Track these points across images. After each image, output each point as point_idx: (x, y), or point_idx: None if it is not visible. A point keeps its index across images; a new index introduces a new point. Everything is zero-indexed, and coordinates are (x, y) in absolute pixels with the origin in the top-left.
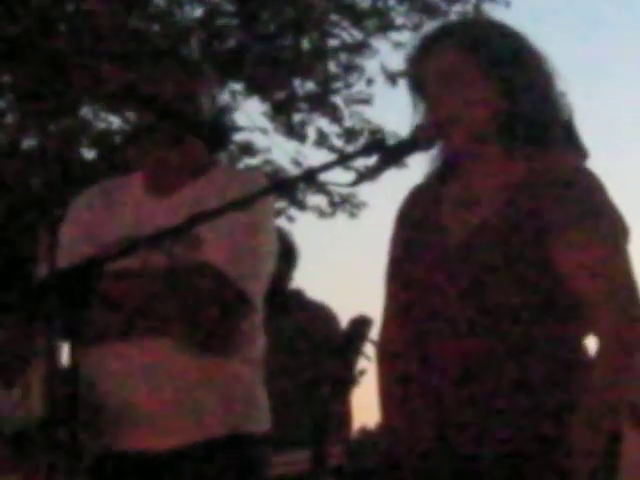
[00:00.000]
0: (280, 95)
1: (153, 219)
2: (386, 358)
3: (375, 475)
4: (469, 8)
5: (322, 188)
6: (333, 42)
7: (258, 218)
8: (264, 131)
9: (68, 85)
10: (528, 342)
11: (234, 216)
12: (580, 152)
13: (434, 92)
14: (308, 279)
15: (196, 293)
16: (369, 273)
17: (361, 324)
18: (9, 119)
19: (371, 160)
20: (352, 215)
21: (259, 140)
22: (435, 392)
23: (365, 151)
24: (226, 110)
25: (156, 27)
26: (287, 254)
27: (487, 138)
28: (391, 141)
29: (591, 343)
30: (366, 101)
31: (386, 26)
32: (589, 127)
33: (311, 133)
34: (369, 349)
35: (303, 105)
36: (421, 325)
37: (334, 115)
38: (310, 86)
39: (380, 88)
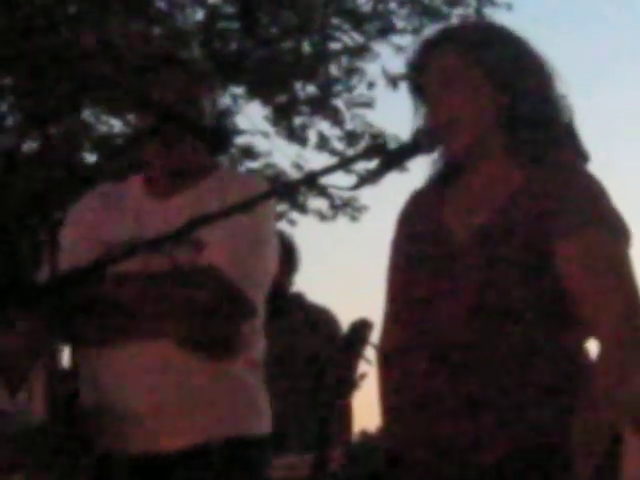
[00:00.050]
0: (281, 98)
1: (154, 222)
2: (386, 362)
3: None
4: (470, 11)
5: (323, 191)
6: (334, 45)
7: (259, 221)
8: (265, 134)
9: (69, 86)
10: (529, 345)
11: (235, 219)
12: (581, 154)
13: (435, 96)
14: (309, 282)
15: (197, 296)
16: (370, 276)
17: (362, 327)
18: (10, 122)
19: (372, 164)
20: (353, 219)
21: (260, 143)
22: (435, 394)
23: (366, 155)
24: (227, 113)
25: (157, 30)
26: (288, 257)
27: (488, 141)
28: (392, 145)
29: (592, 346)
30: (367, 104)
31: (387, 29)
32: (589, 129)
33: (312, 136)
34: (370, 353)
35: (304, 108)
36: (423, 328)
37: (335, 118)
38: (311, 89)
39: (381, 91)
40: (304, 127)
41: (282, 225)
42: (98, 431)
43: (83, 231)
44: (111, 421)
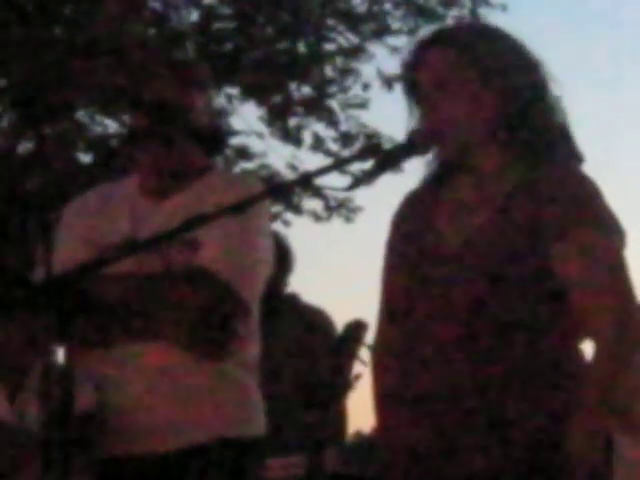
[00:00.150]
0: (276, 99)
1: (149, 223)
2: (381, 363)
3: None
4: (465, 12)
5: (318, 192)
6: (329, 46)
7: (254, 222)
8: (260, 135)
9: (66, 86)
10: (526, 345)
11: (230, 220)
12: (575, 155)
13: (430, 97)
14: (304, 283)
15: (192, 297)
16: (365, 277)
17: (357, 328)
18: (4, 123)
19: (367, 164)
20: (348, 219)
21: (255, 144)
22: (434, 397)
23: (361, 155)
24: (222, 114)
25: (152, 31)
26: (283, 258)
27: (482, 143)
28: (387, 146)
29: (587, 348)
30: (362, 105)
31: (382, 30)
32: (587, 130)
33: (307, 137)
34: (364, 353)
35: (299, 109)
36: (416, 330)
37: (330, 119)
38: (306, 90)
39: (376, 92)
40: (299, 128)
41: (277, 226)
42: (95, 432)
43: (78, 232)
44: (107, 422)
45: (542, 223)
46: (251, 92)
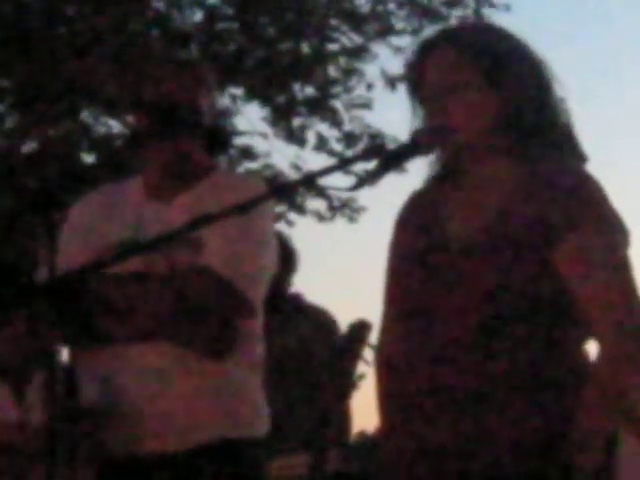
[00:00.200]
0: (280, 99)
1: (153, 223)
2: (384, 364)
3: None
4: (469, 12)
5: (322, 192)
6: (333, 46)
7: (258, 222)
8: (264, 135)
9: (68, 88)
10: (530, 345)
11: (234, 220)
12: (579, 156)
13: (433, 97)
14: (307, 283)
15: (196, 297)
16: (368, 278)
17: (360, 328)
18: (9, 123)
19: (371, 165)
20: (351, 220)
21: (259, 144)
22: (435, 398)
23: (365, 156)
24: (226, 114)
25: (156, 31)
26: (286, 258)
27: (486, 143)
28: (391, 146)
29: (591, 347)
30: (366, 105)
31: (386, 30)
32: (589, 130)
33: (311, 137)
34: (368, 353)
35: (303, 109)
36: (421, 329)
37: (334, 119)
38: (310, 90)
39: (380, 92)
40: (303, 128)
41: (280, 226)
42: (99, 431)
43: (82, 232)
44: (110, 421)
45: (545, 223)
46: (255, 92)
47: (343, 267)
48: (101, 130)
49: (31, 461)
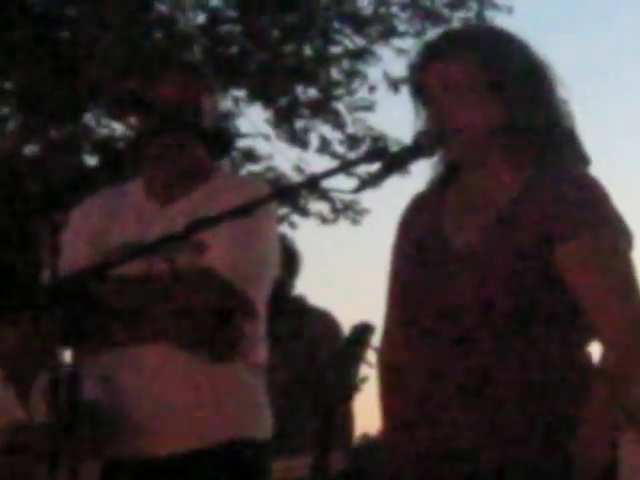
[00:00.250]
0: (283, 102)
1: (155, 225)
2: (387, 366)
3: None
4: (472, 15)
5: (324, 195)
6: (336, 49)
7: (260, 225)
8: (267, 137)
9: (71, 91)
10: (531, 348)
11: (236, 223)
12: (582, 158)
13: (436, 99)
14: (310, 286)
15: (199, 299)
16: (371, 280)
17: (363, 331)
18: (11, 125)
19: (373, 167)
20: (354, 222)
21: (262, 147)
22: (438, 399)
23: (367, 158)
24: (229, 116)
25: (159, 33)
26: (289, 261)
27: (489, 145)
28: (394, 148)
29: (595, 349)
30: (369, 108)
31: (389, 33)
32: (590, 131)
33: (313, 140)
34: (371, 356)
35: (305, 112)
36: (422, 333)
37: (337, 122)
38: (313, 93)
39: (383, 95)
40: (305, 130)
41: (283, 228)
42: (101, 433)
43: (84, 235)
44: (113, 424)
45: (549, 226)
46: (257, 95)
47: (346, 269)
48: (103, 132)
49: (35, 461)
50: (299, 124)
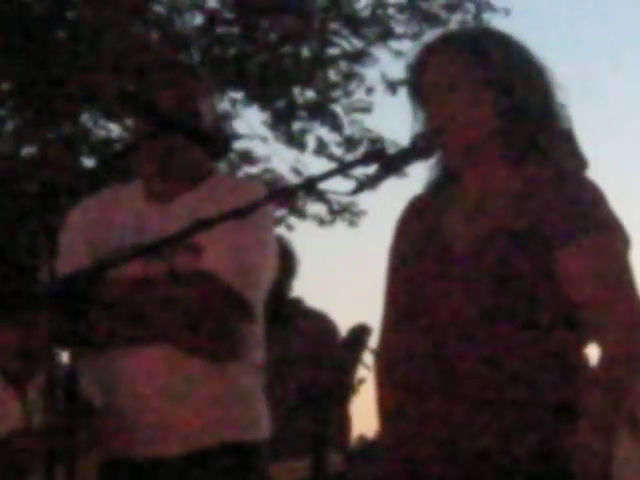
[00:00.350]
0: (280, 103)
1: (153, 227)
2: (384, 367)
3: None
4: (469, 17)
5: (322, 197)
6: (333, 51)
7: (258, 226)
8: (264, 139)
9: (68, 93)
10: (531, 350)
11: (234, 224)
12: (580, 161)
13: (434, 101)
14: (307, 287)
15: (197, 301)
16: (369, 282)
17: (360, 332)
18: (9, 126)
19: (371, 169)
20: (352, 224)
21: (259, 148)
22: (435, 400)
23: (365, 160)
24: (226, 118)
25: (156, 35)
26: (287, 262)
27: (486, 147)
28: (391, 150)
29: (592, 351)
30: (366, 110)
31: (386, 35)
32: (590, 136)
33: (311, 142)
34: (368, 358)
35: (303, 114)
36: (420, 334)
37: (334, 124)
38: (310, 95)
39: (380, 97)
40: (303, 132)
41: (280, 230)
42: (100, 433)
43: (82, 236)
44: (111, 424)
45: (546, 228)
46: (255, 96)
47: (343, 271)
48: (100, 134)
49: (32, 462)
50: (296, 126)
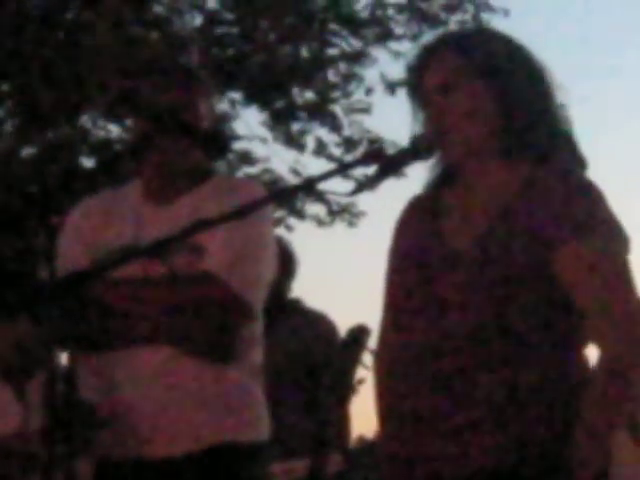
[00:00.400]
0: (279, 104)
1: (152, 228)
2: (384, 367)
3: None
4: (468, 17)
5: (321, 197)
6: (332, 51)
7: (257, 227)
8: (263, 140)
9: (67, 94)
10: (529, 352)
11: (233, 225)
12: (579, 162)
13: (433, 102)
14: (307, 288)
15: (196, 301)
16: (368, 282)
17: (360, 333)
18: (8, 127)
19: (370, 169)
20: (351, 224)
21: (258, 149)
22: (435, 400)
23: (364, 160)
24: (225, 119)
25: (155, 35)
26: (286, 263)
27: (486, 148)
28: (390, 150)
29: (591, 352)
30: (365, 110)
31: (385, 35)
32: (589, 136)
33: (310, 142)
34: (367, 358)
35: (302, 114)
36: (419, 335)
37: (333, 124)
38: (309, 95)
39: (379, 97)
40: (302, 133)
41: (280, 231)
42: (98, 427)
43: (81, 236)
44: (109, 424)
45: (545, 229)
46: (254, 97)
47: (342, 272)
48: (100, 134)
49: (30, 466)
50: (295, 127)
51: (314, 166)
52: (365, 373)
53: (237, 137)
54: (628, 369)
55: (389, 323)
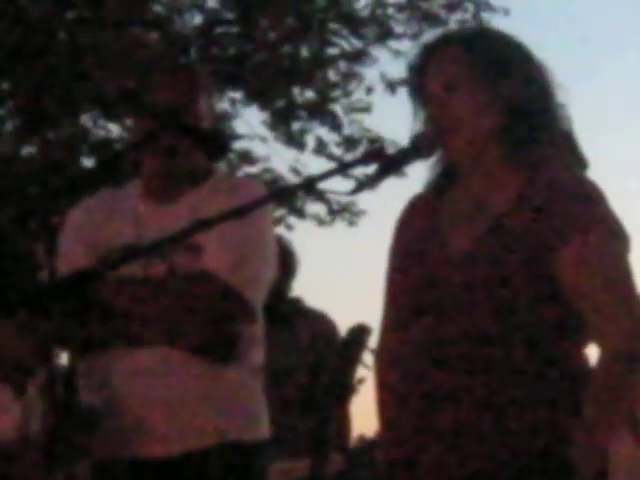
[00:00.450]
0: (279, 103)
1: (153, 227)
2: (384, 367)
3: None
4: (468, 16)
5: (321, 196)
6: (332, 50)
7: (257, 226)
8: (263, 139)
9: (68, 94)
10: (528, 351)
11: (233, 224)
12: (580, 161)
13: (434, 100)
14: (307, 287)
15: (197, 301)
16: (368, 281)
17: (360, 332)
18: (9, 127)
19: (370, 169)
20: (351, 223)
21: (258, 148)
22: (429, 402)
23: (364, 160)
24: (225, 118)
25: (155, 35)
26: (286, 262)
27: (486, 147)
28: (390, 150)
29: (592, 352)
30: (365, 109)
31: (385, 34)
32: (588, 136)
33: (310, 141)
34: (368, 357)
35: (302, 113)
36: (420, 334)
37: (333, 123)
38: (309, 94)
39: (379, 96)
40: (302, 132)
41: (280, 230)
42: (97, 434)
43: (81, 236)
44: (109, 424)
45: (546, 228)
46: (254, 96)
47: (342, 271)
48: (100, 134)
49: (30, 469)
50: (296, 126)
51: (314, 165)
52: (365, 372)
53: (237, 136)
54: (628, 368)
55: (390, 322)
